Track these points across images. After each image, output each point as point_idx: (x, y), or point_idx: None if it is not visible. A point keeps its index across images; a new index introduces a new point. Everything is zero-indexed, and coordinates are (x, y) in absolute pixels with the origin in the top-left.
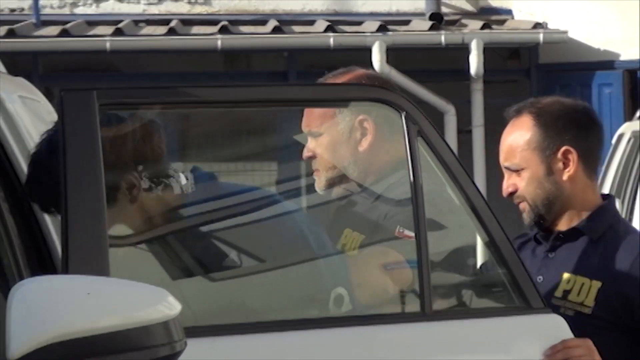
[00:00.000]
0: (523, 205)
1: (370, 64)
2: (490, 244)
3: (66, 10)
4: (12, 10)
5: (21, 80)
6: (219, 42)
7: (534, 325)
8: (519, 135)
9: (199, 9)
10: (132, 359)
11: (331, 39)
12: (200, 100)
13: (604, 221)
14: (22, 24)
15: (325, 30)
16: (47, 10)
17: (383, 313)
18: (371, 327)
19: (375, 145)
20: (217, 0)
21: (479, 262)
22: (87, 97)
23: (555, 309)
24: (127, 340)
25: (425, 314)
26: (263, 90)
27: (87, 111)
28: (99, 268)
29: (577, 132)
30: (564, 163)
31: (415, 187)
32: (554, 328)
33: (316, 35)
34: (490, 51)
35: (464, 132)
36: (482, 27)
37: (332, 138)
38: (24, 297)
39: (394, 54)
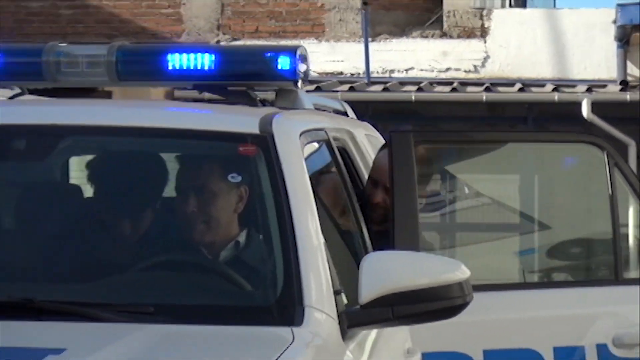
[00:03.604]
0: None
1: (580, 113)
2: None
3: (386, 75)
4: (352, 74)
5: (365, 123)
6: (484, 97)
7: None
8: None
9: (471, 75)
10: (437, 307)
11: (556, 96)
12: (474, 139)
13: None
14: (358, 83)
15: (552, 90)
16: (374, 75)
17: (590, 279)
18: (582, 288)
19: None
20: (483, 69)
21: None
22: (406, 137)
23: None
24: (435, 293)
25: (618, 280)
26: (513, 134)
27: (406, 146)
28: (414, 247)
29: None
30: None
31: (613, 198)
32: None
33: (546, 94)
34: None
35: None
36: None
37: None
38: (370, 264)
39: (596, 106)
